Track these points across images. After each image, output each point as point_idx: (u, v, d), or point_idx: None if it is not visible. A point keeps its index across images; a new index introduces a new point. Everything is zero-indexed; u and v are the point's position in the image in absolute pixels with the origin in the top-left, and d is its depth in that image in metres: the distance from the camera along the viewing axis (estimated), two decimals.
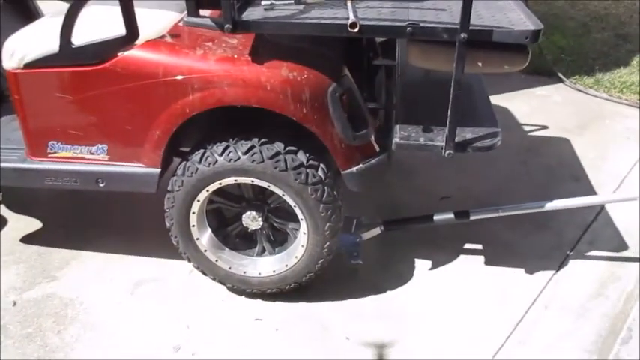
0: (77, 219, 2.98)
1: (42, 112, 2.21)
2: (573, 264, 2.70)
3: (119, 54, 2.05)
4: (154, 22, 2.16)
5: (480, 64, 1.93)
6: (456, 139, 2.03)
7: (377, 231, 2.60)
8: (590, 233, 2.89)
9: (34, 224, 2.93)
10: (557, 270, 2.65)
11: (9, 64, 2.15)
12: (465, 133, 2.11)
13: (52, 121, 2.21)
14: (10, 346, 2.26)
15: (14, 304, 2.45)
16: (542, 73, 4.60)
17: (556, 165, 3.46)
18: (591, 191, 3.20)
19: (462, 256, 2.75)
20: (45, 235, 2.85)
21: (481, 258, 2.74)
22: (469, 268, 2.68)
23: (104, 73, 2.06)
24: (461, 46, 1.81)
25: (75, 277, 2.59)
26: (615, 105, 4.22)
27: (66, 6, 2.05)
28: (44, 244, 2.77)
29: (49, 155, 2.27)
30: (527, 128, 3.89)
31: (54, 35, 2.05)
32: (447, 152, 2.03)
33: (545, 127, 3.89)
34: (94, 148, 2.23)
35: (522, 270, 2.66)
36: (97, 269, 2.64)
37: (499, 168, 3.40)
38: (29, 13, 2.98)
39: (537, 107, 4.17)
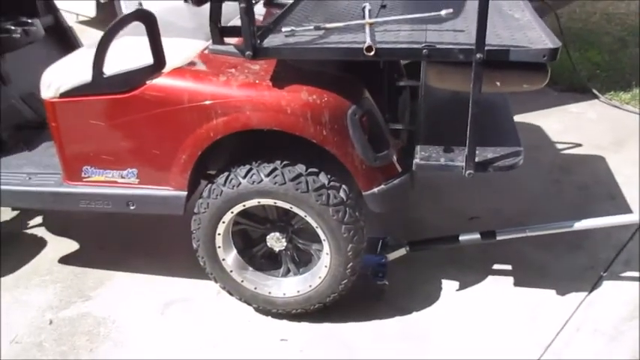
0: (112, 241, 3.09)
1: (77, 139, 2.32)
2: (607, 285, 2.61)
3: (147, 82, 2.14)
4: (180, 50, 2.26)
5: (498, 83, 1.93)
6: (477, 159, 2.03)
7: (402, 252, 2.60)
8: (626, 253, 2.79)
9: (71, 246, 3.05)
10: (591, 291, 2.58)
11: (46, 94, 2.28)
12: (486, 153, 2.10)
13: (85, 147, 2.32)
14: None
15: (50, 322, 2.55)
16: (577, 89, 4.52)
17: (591, 183, 3.38)
18: (628, 210, 3.10)
19: (490, 277, 2.71)
20: (81, 256, 2.96)
21: (510, 279, 2.69)
22: (498, 289, 2.63)
23: (133, 101, 2.16)
24: (477, 66, 1.82)
25: (108, 297, 2.68)
26: None
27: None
28: (80, 265, 2.88)
29: (84, 179, 2.38)
30: (560, 146, 3.81)
31: (87, 65, 2.17)
32: (467, 172, 2.02)
33: (579, 145, 3.80)
34: (124, 172, 2.32)
35: (554, 292, 2.59)
36: (129, 289, 2.72)
37: (531, 187, 3.34)
38: (69, 44, 3.15)
39: (571, 125, 4.09)
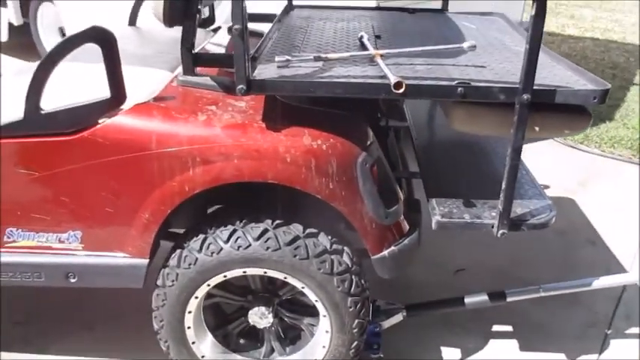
0: (37, 313, 2.47)
1: None
2: (615, 345, 2.40)
3: (101, 121, 1.67)
4: (143, 81, 1.80)
5: (537, 128, 1.64)
6: None
7: (399, 318, 2.23)
8: (624, 307, 2.61)
9: None
10: (601, 353, 2.35)
11: None
12: (514, 208, 1.80)
13: (11, 202, 1.78)
14: None
15: None
16: None
17: (568, 229, 3.22)
18: (610, 255, 2.97)
19: (492, 342, 2.41)
20: None
21: (514, 343, 2.41)
22: (503, 355, 2.33)
23: (81, 145, 1.67)
24: (522, 108, 1.53)
25: None
26: (610, 161, 4.09)
27: (25, 65, 1.66)
28: None
29: (6, 244, 1.82)
30: None
31: (17, 98, 1.66)
32: (501, 232, 1.72)
33: (547, 187, 3.67)
34: (64, 235, 1.80)
35: (563, 355, 2.33)
36: None
37: (511, 236, 3.11)
38: None
39: (534, 166, 3.96)
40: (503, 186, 1.66)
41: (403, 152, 2.46)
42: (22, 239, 1.82)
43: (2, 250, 1.83)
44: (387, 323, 2.21)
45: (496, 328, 2.48)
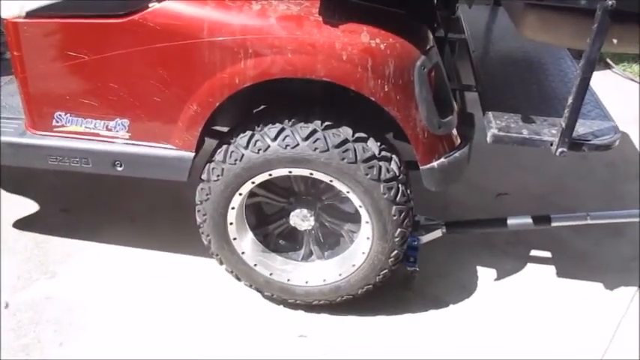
0: (82, 201, 2.53)
1: (48, 75, 1.75)
2: None
3: (151, 4, 1.60)
4: None
5: (614, 40, 1.52)
6: None
7: (438, 234, 2.21)
8: None
9: (30, 206, 2.48)
10: None
11: (7, 11, 1.70)
12: (576, 127, 1.71)
13: (60, 86, 1.76)
14: None
15: (6, 305, 2.03)
16: None
17: (619, 161, 3.10)
18: None
19: (529, 265, 2.38)
20: (43, 221, 2.41)
21: (552, 269, 2.38)
22: (539, 280, 2.31)
23: (131, 29, 1.62)
24: (604, 15, 1.41)
25: (79, 274, 2.17)
26: None
27: None
28: (42, 232, 2.33)
29: (55, 129, 1.83)
30: None
31: None
32: (560, 150, 1.63)
33: None
34: (112, 123, 1.79)
35: (601, 285, 2.30)
36: (105, 265, 2.22)
37: (557, 162, 2.99)
38: None
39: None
40: (570, 101, 1.56)
41: (457, 65, 2.35)
42: (70, 124, 1.82)
43: (52, 134, 1.84)
44: (425, 238, 2.19)
45: (534, 253, 2.45)
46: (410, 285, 2.21)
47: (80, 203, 2.52)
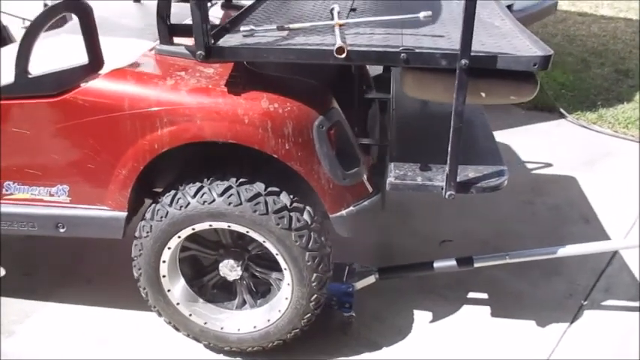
0: (43, 264, 2.71)
1: None
2: (589, 315, 2.44)
3: (81, 84, 1.84)
4: (122, 50, 1.97)
5: (483, 94, 1.72)
6: (458, 179, 1.81)
7: (371, 279, 2.34)
8: (605, 280, 2.64)
9: None
10: (572, 322, 2.39)
11: None
12: (467, 172, 1.88)
13: (7, 158, 1.99)
14: None
15: None
16: (543, 109, 4.43)
17: (564, 205, 3.23)
18: (603, 234, 2.96)
19: (465, 307, 2.49)
20: (5, 284, 2.58)
21: (487, 309, 2.48)
22: (474, 320, 2.41)
23: (64, 106, 1.85)
24: (462, 73, 1.61)
25: (34, 333, 2.32)
26: (621, 141, 4.02)
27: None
28: (3, 295, 2.50)
29: (4, 197, 2.04)
30: (530, 166, 3.67)
31: (12, 64, 1.85)
32: (448, 193, 1.80)
33: (549, 165, 3.67)
34: (53, 189, 2.00)
35: (533, 322, 2.40)
36: (60, 324, 2.37)
37: (503, 208, 3.16)
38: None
39: (540, 144, 3.96)
40: (449, 149, 1.74)
41: (385, 122, 2.55)
42: (17, 192, 2.03)
43: (2, 201, 2.05)
44: (359, 284, 2.32)
45: (471, 295, 2.56)
46: (346, 330, 2.32)
47: (41, 266, 2.70)
